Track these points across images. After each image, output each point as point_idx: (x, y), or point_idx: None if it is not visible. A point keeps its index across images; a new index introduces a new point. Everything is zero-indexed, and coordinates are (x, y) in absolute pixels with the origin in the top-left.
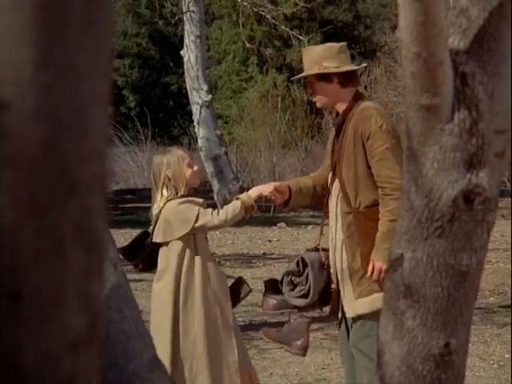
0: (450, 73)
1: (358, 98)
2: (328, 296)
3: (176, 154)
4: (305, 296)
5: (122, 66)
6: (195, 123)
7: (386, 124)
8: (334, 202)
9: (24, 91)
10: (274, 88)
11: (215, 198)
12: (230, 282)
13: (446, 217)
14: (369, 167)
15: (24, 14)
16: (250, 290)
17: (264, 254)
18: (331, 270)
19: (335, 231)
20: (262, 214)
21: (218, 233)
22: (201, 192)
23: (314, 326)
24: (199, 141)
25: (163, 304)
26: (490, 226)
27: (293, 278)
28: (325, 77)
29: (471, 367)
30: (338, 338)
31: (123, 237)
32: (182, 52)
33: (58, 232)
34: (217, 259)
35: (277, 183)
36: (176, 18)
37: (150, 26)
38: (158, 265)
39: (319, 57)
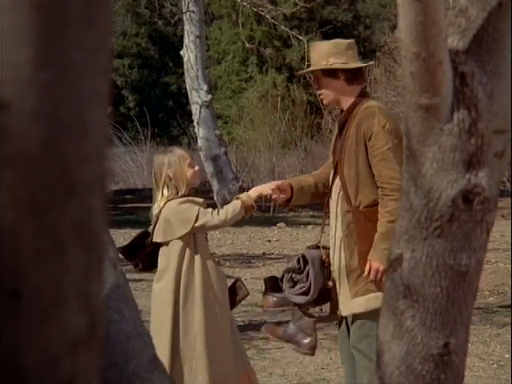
0: (449, 73)
1: (363, 96)
2: (328, 293)
3: (177, 153)
4: (305, 293)
5: (121, 65)
6: (195, 123)
7: (389, 124)
8: (335, 201)
9: (24, 91)
10: (274, 88)
11: (215, 197)
12: (229, 283)
13: (445, 217)
14: (370, 166)
15: (23, 13)
16: (247, 294)
17: (263, 254)
18: (331, 268)
19: (335, 229)
20: (261, 214)
21: (217, 233)
22: (200, 192)
23: None
24: (199, 141)
25: (163, 304)
26: (490, 225)
27: (293, 275)
28: (331, 73)
29: (470, 367)
30: (337, 337)
31: (122, 237)
32: (181, 52)
33: (58, 232)
34: (216, 259)
35: (278, 182)
36: (176, 17)
37: (149, 25)
38: (159, 264)
39: (326, 52)
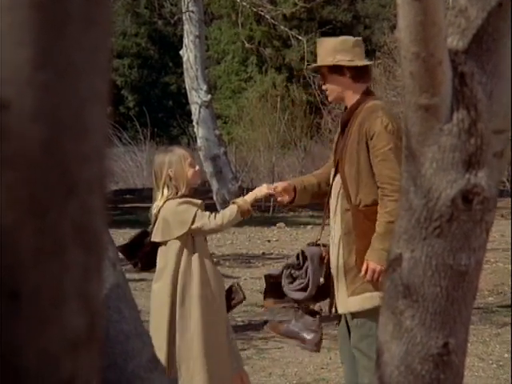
0: (448, 73)
1: (367, 94)
2: (327, 290)
3: (178, 153)
4: (304, 289)
5: (121, 65)
6: (194, 123)
7: (391, 124)
8: (335, 198)
9: (23, 91)
10: (273, 88)
11: (214, 197)
12: (227, 284)
13: (444, 217)
14: (371, 166)
15: (23, 13)
16: (244, 299)
17: (263, 254)
18: (331, 266)
19: (334, 227)
20: (261, 214)
21: None
22: (200, 192)
23: None
24: (198, 141)
25: (162, 304)
26: (489, 225)
27: (292, 271)
28: (337, 69)
29: (470, 367)
30: (337, 337)
31: (122, 237)
32: (181, 52)
33: (58, 232)
34: (216, 259)
35: (284, 183)
36: (175, 17)
37: (149, 25)
38: (157, 264)
39: (333, 49)
